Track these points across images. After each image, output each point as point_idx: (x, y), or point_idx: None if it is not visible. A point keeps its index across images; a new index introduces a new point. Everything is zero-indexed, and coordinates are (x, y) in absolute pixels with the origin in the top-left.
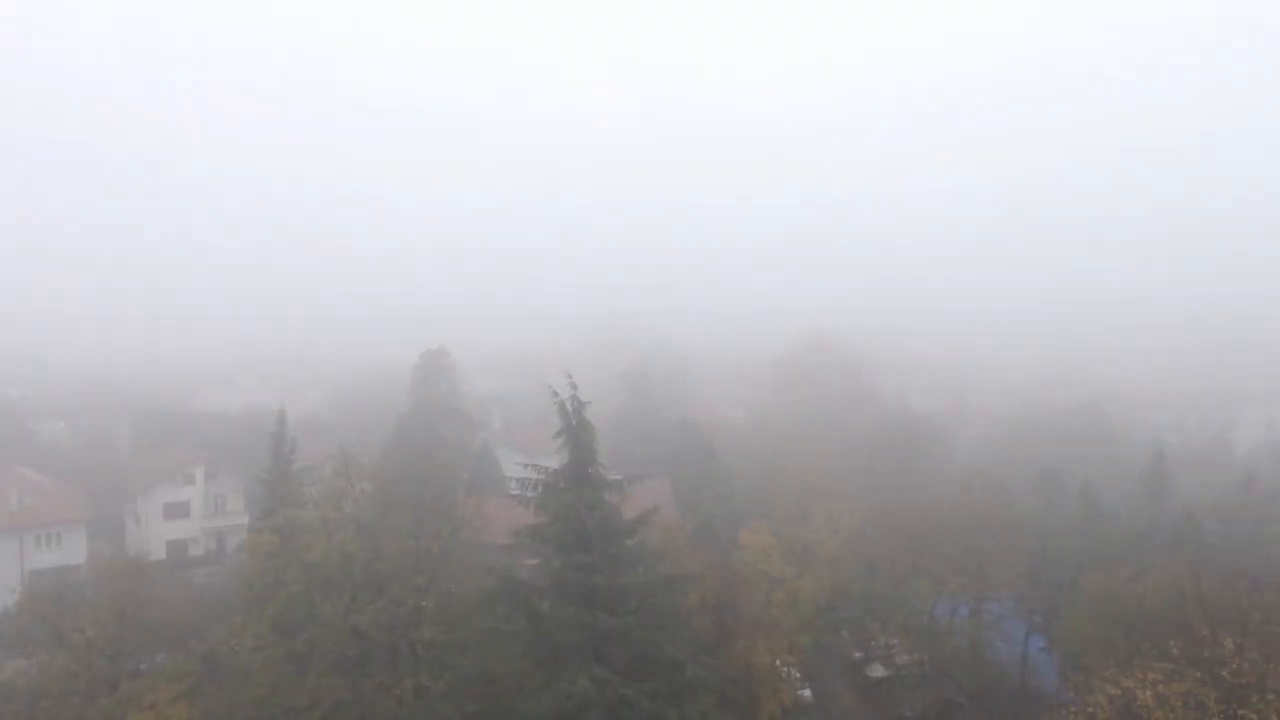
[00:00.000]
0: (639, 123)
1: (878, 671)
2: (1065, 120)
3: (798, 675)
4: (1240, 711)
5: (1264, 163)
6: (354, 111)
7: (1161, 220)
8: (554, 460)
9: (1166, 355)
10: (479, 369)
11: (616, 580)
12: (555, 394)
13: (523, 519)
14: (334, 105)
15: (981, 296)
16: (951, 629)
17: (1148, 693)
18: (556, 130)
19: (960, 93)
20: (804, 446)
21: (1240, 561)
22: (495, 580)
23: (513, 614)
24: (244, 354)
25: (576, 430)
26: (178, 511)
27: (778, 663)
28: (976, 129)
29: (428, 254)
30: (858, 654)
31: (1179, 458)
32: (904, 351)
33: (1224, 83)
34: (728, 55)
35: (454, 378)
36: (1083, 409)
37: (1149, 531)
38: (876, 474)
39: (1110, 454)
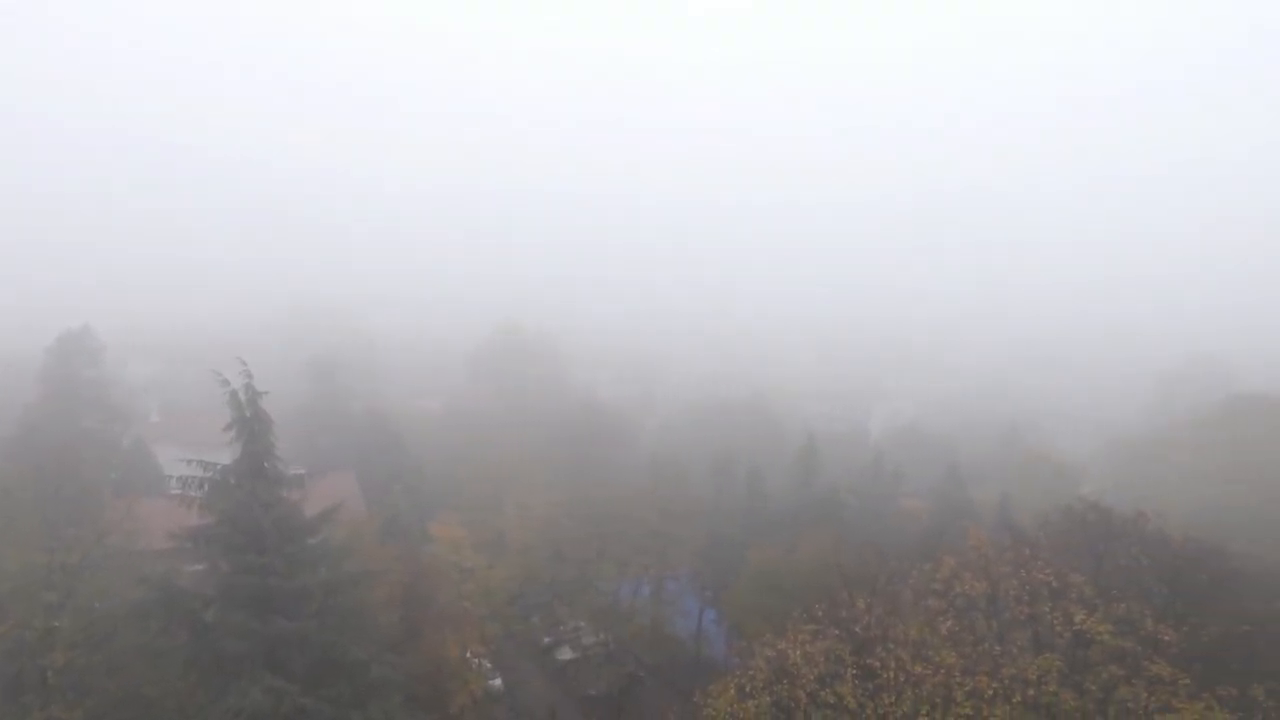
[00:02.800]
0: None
1: (566, 654)
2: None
3: (489, 665)
4: (868, 660)
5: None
6: None
7: (812, 235)
8: (226, 455)
9: (819, 354)
10: (134, 353)
11: (295, 582)
12: (226, 382)
13: (186, 521)
14: None
15: (666, 295)
16: (634, 608)
17: (797, 652)
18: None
19: None
20: (497, 436)
21: (872, 531)
22: (150, 591)
23: (171, 627)
24: None
25: (251, 421)
26: None
27: (468, 654)
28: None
29: (74, 223)
30: (547, 639)
31: (827, 444)
32: (596, 344)
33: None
34: None
35: (100, 362)
36: (750, 401)
37: (801, 509)
38: (567, 462)
39: (773, 441)
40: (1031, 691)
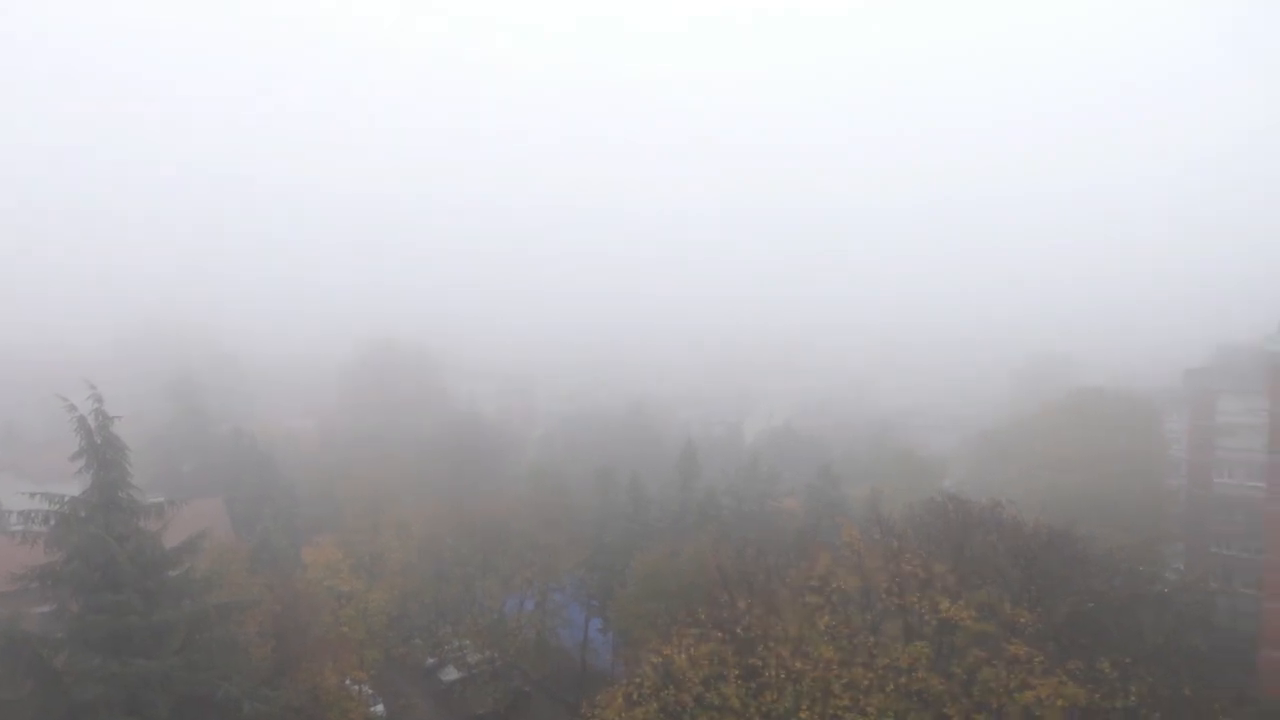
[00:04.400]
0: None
1: (451, 674)
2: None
3: (369, 691)
4: (750, 660)
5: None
6: None
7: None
8: (76, 486)
9: (692, 360)
10: None
11: (155, 618)
12: (73, 407)
13: (31, 559)
14: None
15: (545, 304)
16: (519, 623)
17: (683, 656)
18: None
19: None
20: (373, 454)
21: (750, 532)
22: None
23: (17, 676)
24: None
25: (102, 449)
26: None
27: (347, 681)
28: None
29: None
30: (430, 660)
31: (705, 448)
32: (476, 356)
33: None
34: None
35: None
36: (630, 409)
37: (682, 513)
38: (447, 477)
39: (653, 448)
40: (904, 679)
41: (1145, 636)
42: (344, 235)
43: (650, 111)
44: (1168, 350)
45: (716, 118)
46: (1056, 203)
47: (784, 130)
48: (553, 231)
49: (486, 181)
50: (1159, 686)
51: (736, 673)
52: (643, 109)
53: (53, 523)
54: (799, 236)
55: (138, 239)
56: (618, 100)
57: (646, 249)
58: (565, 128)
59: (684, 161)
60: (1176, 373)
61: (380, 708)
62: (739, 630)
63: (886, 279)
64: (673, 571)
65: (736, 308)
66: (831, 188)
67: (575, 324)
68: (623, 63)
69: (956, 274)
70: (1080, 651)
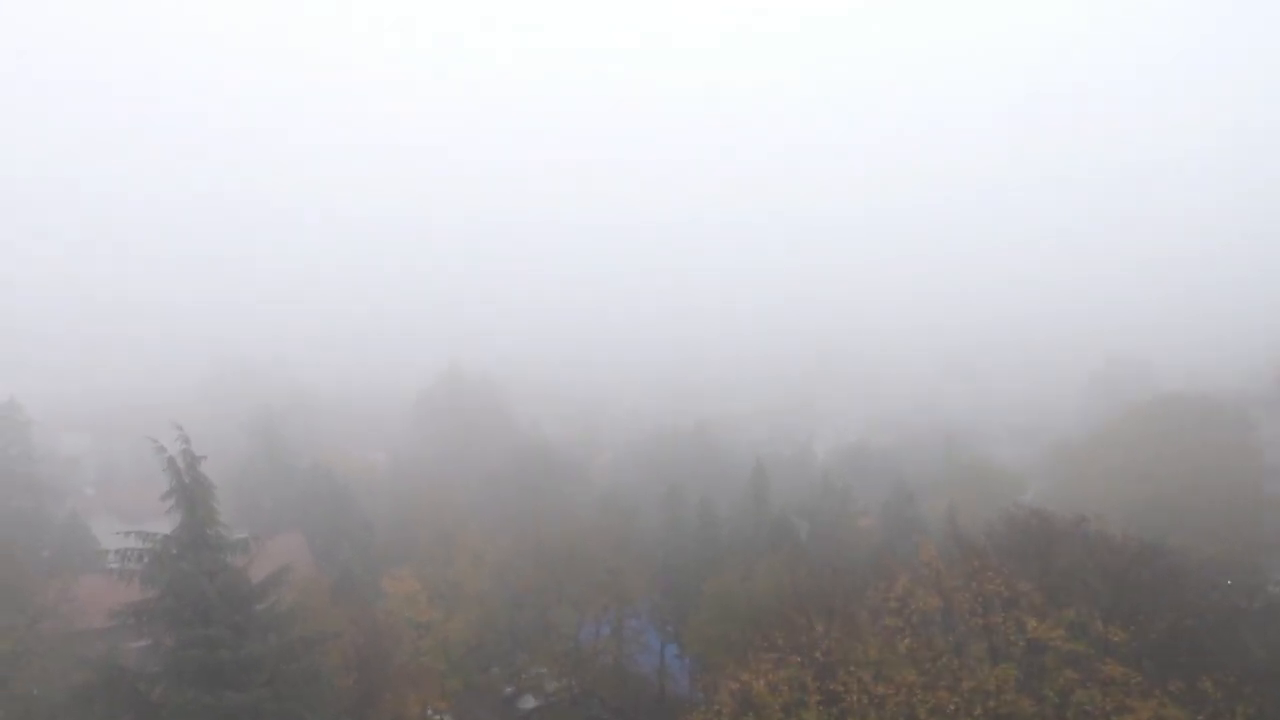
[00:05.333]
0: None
1: (529, 703)
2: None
3: None
4: (830, 685)
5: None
6: None
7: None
8: (166, 525)
9: (755, 374)
10: (64, 426)
11: (244, 651)
12: (162, 449)
13: (127, 597)
14: None
15: (600, 324)
16: (595, 650)
17: (761, 682)
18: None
19: None
20: (445, 484)
21: (825, 552)
22: (92, 673)
23: (115, 709)
24: None
25: (190, 488)
26: None
27: (429, 711)
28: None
29: None
30: (509, 689)
31: (775, 468)
32: (538, 379)
33: None
34: None
35: (28, 438)
36: (696, 430)
37: (754, 535)
38: (518, 506)
39: (721, 470)
40: (992, 703)
41: (1250, 653)
42: (395, 262)
43: (678, 122)
44: (1235, 348)
45: (738, 125)
46: (1088, 198)
47: (811, 132)
48: (600, 253)
49: (529, 201)
50: (1267, 707)
51: (817, 698)
52: (674, 122)
53: (146, 561)
54: (831, 242)
55: (208, 279)
56: (648, 113)
57: (689, 263)
58: (581, 140)
59: (709, 170)
60: (1254, 373)
61: None
62: (818, 654)
63: (930, 283)
64: (746, 594)
65: (789, 320)
66: (852, 189)
67: (632, 342)
68: (657, 79)
69: (1002, 276)
70: (1180, 671)
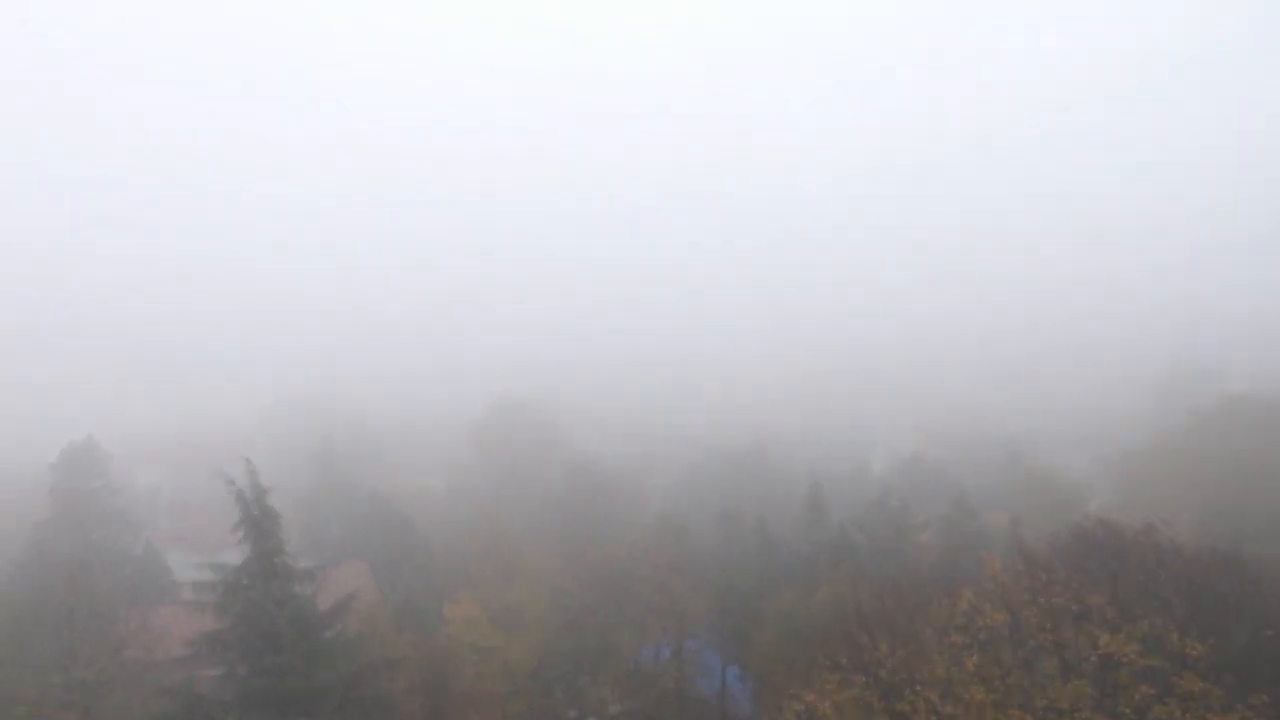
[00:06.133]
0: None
1: None
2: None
3: None
4: (897, 705)
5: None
6: None
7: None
8: (235, 556)
9: (809, 395)
10: (139, 460)
11: (313, 679)
12: (231, 481)
13: (201, 626)
14: None
15: (652, 347)
16: (656, 671)
17: (826, 703)
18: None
19: None
20: (503, 508)
21: (886, 569)
22: (170, 702)
23: None
24: None
25: (258, 519)
26: None
27: None
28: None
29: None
30: (572, 713)
31: (831, 484)
32: (592, 406)
33: None
34: None
35: (107, 473)
36: (750, 449)
37: (813, 554)
38: (575, 528)
39: (776, 487)
40: None
41: None
42: (440, 280)
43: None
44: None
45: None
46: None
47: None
48: (642, 274)
49: (568, 222)
50: None
51: (884, 719)
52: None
53: (219, 591)
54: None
55: (267, 306)
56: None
57: (730, 278)
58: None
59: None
60: None
61: None
62: (882, 673)
63: (980, 290)
64: (807, 613)
65: (837, 332)
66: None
67: (677, 360)
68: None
69: (1055, 281)
70: (1262, 684)
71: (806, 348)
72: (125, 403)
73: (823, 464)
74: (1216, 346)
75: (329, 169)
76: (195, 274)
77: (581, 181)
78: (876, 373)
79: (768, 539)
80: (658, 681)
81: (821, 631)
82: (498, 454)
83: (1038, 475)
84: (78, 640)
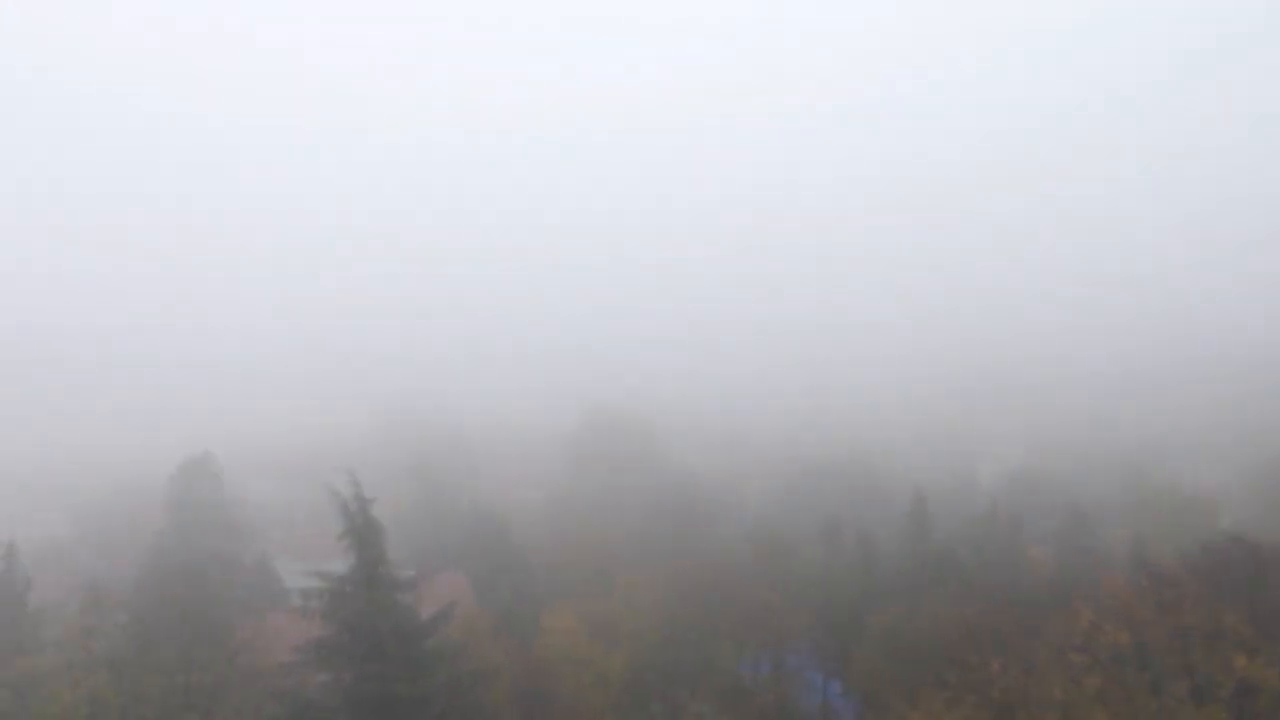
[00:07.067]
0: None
1: None
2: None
3: None
4: None
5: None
6: None
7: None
8: (341, 565)
9: (911, 405)
10: (250, 472)
11: (416, 687)
12: (337, 493)
13: (310, 633)
14: None
15: (745, 361)
16: (757, 686)
17: None
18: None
19: None
20: (599, 520)
21: (995, 585)
22: (282, 706)
23: None
24: None
25: (362, 530)
26: None
27: None
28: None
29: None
30: None
31: (935, 498)
32: (687, 417)
33: None
34: None
35: (221, 485)
36: (851, 460)
37: (916, 568)
38: (671, 540)
39: (877, 500)
40: None
41: None
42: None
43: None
44: None
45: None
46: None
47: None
48: (733, 277)
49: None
50: None
51: None
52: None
53: (326, 599)
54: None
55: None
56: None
57: (828, 283)
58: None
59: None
60: None
61: None
62: (995, 694)
63: (1097, 295)
64: (912, 630)
65: (941, 338)
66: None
67: (773, 369)
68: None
69: (1178, 286)
70: None
71: (908, 356)
72: (237, 418)
73: (926, 476)
74: None
75: (413, 181)
76: (294, 290)
77: (668, 187)
78: (983, 382)
79: (870, 552)
80: (757, 697)
81: (928, 649)
82: (594, 466)
83: (1163, 490)
84: (196, 645)
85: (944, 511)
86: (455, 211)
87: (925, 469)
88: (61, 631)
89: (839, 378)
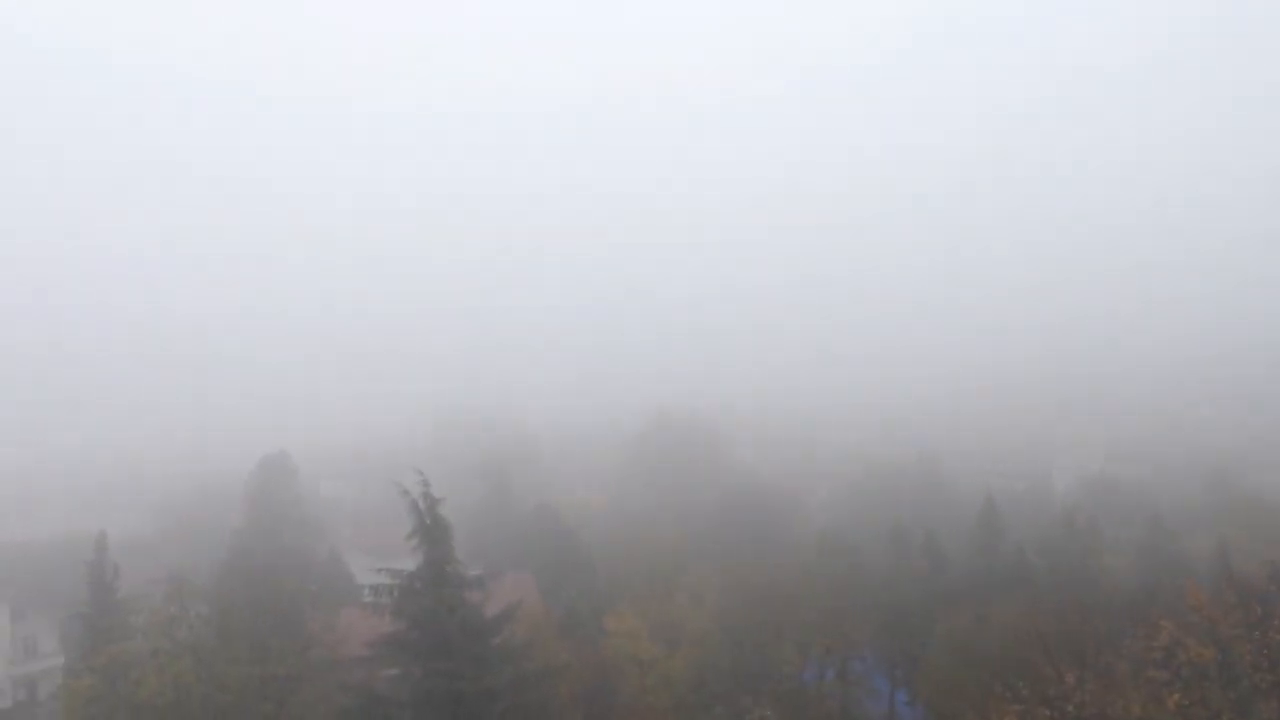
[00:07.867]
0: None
1: None
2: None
3: None
4: None
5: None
6: None
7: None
8: (410, 562)
9: (983, 410)
10: (323, 472)
11: (482, 683)
12: (406, 492)
13: (379, 628)
14: None
15: (812, 361)
16: (821, 692)
17: None
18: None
19: None
20: (663, 523)
21: (1070, 594)
22: (352, 699)
23: None
24: (48, 474)
25: (430, 528)
26: None
27: None
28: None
29: (249, 352)
30: None
31: (1007, 503)
32: (752, 419)
33: None
34: None
35: (296, 483)
36: (919, 463)
37: (987, 575)
38: (732, 544)
39: (946, 504)
40: None
41: None
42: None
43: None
44: None
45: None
46: None
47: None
48: (798, 281)
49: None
50: None
51: None
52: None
53: (395, 595)
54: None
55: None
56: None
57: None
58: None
59: None
60: None
61: None
62: (1070, 708)
63: (1179, 298)
64: (982, 638)
65: (1013, 341)
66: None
67: (841, 373)
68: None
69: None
70: None
71: (978, 361)
72: (310, 417)
73: (997, 481)
74: None
75: (462, 180)
76: (369, 291)
77: (733, 188)
78: (1058, 386)
79: (938, 558)
80: (822, 702)
81: (999, 658)
82: (658, 468)
83: (1247, 497)
84: (272, 637)
85: (1016, 517)
86: (511, 214)
87: (997, 474)
88: (147, 619)
89: (908, 381)
